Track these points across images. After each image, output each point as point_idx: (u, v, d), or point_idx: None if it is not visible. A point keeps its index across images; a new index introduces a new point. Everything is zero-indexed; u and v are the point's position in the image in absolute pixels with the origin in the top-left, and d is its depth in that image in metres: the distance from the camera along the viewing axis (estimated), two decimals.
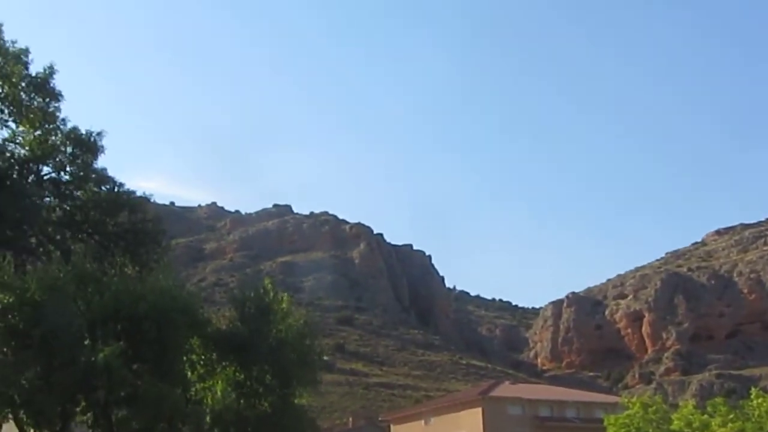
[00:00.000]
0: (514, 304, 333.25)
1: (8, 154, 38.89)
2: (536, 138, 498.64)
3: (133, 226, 40.41)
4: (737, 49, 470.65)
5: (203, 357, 36.02)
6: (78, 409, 30.31)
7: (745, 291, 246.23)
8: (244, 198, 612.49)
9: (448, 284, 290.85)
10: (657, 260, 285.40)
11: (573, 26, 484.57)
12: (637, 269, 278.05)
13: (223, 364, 36.23)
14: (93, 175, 39.84)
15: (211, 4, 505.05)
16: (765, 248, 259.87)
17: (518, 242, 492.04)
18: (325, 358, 67.15)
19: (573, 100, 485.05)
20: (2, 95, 38.35)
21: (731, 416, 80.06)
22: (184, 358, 33.90)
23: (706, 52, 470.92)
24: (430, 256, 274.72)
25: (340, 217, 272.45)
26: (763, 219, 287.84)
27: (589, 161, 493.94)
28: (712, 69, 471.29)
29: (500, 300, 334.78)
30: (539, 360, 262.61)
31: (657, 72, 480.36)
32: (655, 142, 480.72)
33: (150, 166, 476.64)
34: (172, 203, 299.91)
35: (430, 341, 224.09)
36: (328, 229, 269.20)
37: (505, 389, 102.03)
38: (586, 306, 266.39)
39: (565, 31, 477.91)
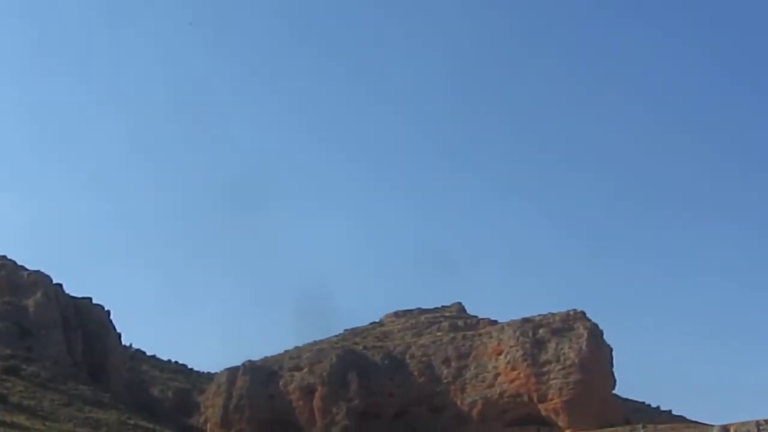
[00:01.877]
0: (189, 367, 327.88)
1: None
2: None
3: None
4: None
5: None
6: None
7: (416, 373, 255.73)
8: None
9: (125, 341, 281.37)
10: (335, 336, 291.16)
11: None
12: (315, 343, 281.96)
13: None
14: None
15: None
16: (438, 333, 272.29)
17: (195, 304, 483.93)
18: None
19: None
20: None
21: None
22: None
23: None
24: (108, 311, 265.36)
25: (19, 263, 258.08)
26: (439, 306, 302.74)
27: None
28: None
29: (176, 362, 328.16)
30: (209, 426, 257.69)
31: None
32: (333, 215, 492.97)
33: None
34: None
35: (99, 398, 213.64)
36: (5, 274, 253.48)
37: None
38: (262, 375, 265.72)
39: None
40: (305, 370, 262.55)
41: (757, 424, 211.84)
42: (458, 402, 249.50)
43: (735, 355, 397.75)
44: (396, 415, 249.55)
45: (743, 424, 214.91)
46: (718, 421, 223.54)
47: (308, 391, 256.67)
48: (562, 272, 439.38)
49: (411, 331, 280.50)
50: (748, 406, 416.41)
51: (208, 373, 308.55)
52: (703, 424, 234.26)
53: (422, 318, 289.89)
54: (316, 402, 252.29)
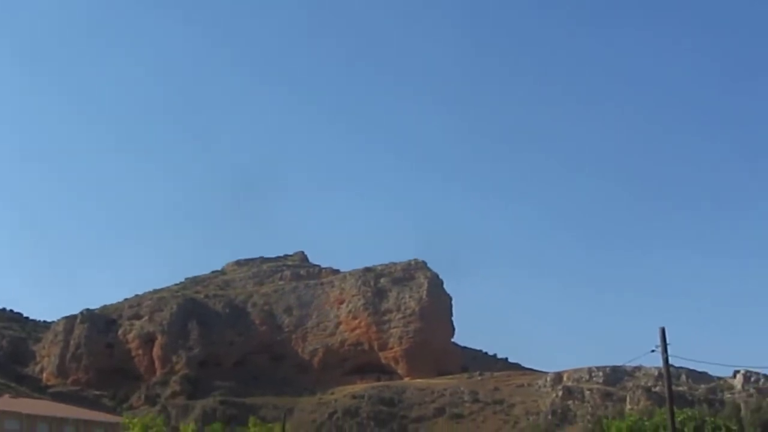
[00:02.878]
0: (25, 315, 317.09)
1: None
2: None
3: None
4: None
5: None
6: None
7: (257, 322, 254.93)
8: None
9: None
10: (176, 284, 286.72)
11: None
12: (156, 291, 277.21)
13: None
14: None
15: None
16: (280, 282, 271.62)
17: (30, 253, 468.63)
18: None
19: None
20: None
21: None
22: None
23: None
24: None
25: None
26: (282, 254, 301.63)
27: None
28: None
29: (10, 310, 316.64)
30: (45, 375, 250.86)
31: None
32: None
33: None
34: None
35: None
36: None
37: (4, 403, 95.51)
38: (100, 324, 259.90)
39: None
40: (145, 318, 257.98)
41: (589, 370, 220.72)
42: (299, 350, 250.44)
43: (569, 306, 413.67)
44: (236, 363, 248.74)
45: (576, 371, 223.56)
46: (552, 369, 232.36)
47: (148, 340, 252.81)
48: (401, 222, 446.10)
49: (253, 280, 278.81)
50: (581, 353, 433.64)
51: (45, 322, 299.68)
52: (538, 371, 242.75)
53: (264, 267, 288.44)
54: (156, 351, 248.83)
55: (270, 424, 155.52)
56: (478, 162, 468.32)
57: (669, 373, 38.36)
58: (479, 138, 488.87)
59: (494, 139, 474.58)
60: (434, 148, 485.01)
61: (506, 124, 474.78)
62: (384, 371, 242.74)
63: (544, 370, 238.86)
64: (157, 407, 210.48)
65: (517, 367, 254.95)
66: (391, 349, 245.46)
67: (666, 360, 36.96)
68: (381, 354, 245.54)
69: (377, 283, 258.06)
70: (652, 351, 37.32)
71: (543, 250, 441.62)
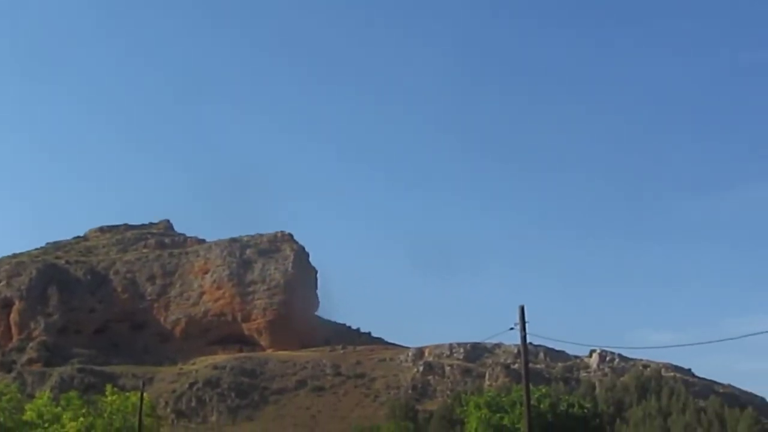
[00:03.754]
0: None
1: None
2: None
3: None
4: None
5: None
6: None
7: (119, 290, 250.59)
8: None
9: None
10: (36, 249, 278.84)
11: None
12: (15, 255, 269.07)
13: None
14: None
15: None
16: (144, 250, 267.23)
17: None
18: None
19: None
20: None
21: (83, 411, 79.83)
22: None
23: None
24: None
25: None
26: (146, 222, 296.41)
27: None
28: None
29: None
30: None
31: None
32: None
33: None
34: None
35: None
36: None
37: None
38: None
39: None
40: (2, 283, 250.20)
41: (450, 346, 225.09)
42: (161, 319, 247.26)
43: (433, 282, 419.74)
44: (97, 331, 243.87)
45: (437, 347, 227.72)
46: (414, 344, 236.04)
47: (5, 305, 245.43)
48: (271, 193, 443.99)
49: (116, 247, 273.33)
50: (442, 329, 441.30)
51: None
52: (400, 346, 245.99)
53: (128, 234, 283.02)
54: (14, 316, 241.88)
55: (128, 393, 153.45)
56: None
57: (526, 350, 39.67)
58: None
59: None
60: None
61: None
62: (247, 342, 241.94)
63: (406, 345, 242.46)
64: (13, 374, 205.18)
65: (379, 341, 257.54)
66: (255, 320, 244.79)
67: (524, 338, 38.11)
68: (244, 325, 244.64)
69: (243, 254, 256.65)
70: (511, 329, 38.16)
71: (403, 223, 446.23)
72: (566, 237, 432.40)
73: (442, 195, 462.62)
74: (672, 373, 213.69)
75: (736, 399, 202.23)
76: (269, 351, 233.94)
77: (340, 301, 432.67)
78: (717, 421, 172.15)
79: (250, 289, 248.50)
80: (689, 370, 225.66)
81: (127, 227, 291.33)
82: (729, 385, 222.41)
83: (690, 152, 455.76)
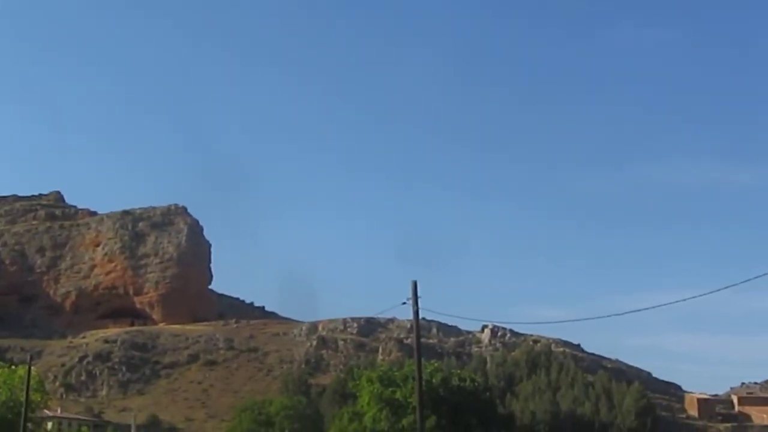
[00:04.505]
0: None
1: None
2: None
3: None
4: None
5: None
6: None
7: (7, 262, 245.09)
8: None
9: None
10: None
11: None
12: None
13: None
14: None
15: None
16: (34, 222, 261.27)
17: None
18: None
19: None
20: None
21: None
22: None
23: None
24: None
25: None
26: (36, 193, 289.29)
27: None
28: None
29: None
30: None
31: None
32: None
33: None
34: None
35: None
36: None
37: None
38: None
39: None
40: None
41: (344, 321, 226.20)
42: (51, 292, 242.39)
43: (329, 255, 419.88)
44: None
45: (331, 321, 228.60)
46: (308, 319, 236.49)
47: None
48: (163, 165, 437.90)
49: (4, 219, 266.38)
50: (338, 304, 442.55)
51: None
52: (294, 320, 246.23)
53: (17, 205, 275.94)
54: None
55: (15, 367, 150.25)
56: None
57: (418, 325, 40.20)
58: None
59: None
60: None
61: None
62: (138, 316, 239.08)
63: (299, 320, 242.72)
64: None
65: (273, 316, 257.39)
66: (147, 293, 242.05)
67: (416, 312, 38.55)
68: (136, 299, 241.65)
69: (135, 226, 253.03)
70: (404, 303, 38.53)
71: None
72: (460, 212, 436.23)
73: (332, 156, 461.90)
74: (562, 349, 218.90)
75: (623, 374, 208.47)
76: (161, 325, 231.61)
77: (234, 275, 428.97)
78: (604, 395, 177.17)
79: (143, 262, 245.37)
80: (578, 345, 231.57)
81: (16, 198, 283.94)
82: (617, 360, 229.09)
83: (583, 129, 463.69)
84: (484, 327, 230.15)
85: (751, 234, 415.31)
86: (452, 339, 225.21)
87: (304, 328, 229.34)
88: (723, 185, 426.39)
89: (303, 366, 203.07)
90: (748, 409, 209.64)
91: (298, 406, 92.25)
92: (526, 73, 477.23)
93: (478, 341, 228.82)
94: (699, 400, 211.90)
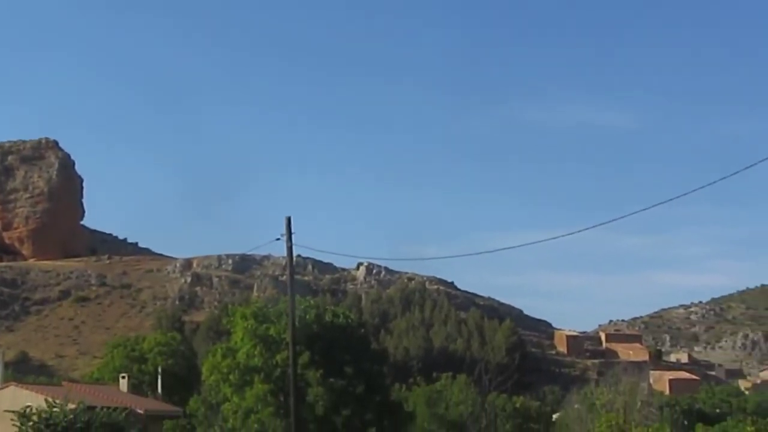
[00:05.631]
0: None
1: None
2: None
3: None
4: None
5: None
6: None
7: None
8: None
9: None
10: None
11: None
12: None
13: None
14: None
15: None
16: None
17: None
18: None
19: None
20: None
21: None
22: None
23: None
24: None
25: None
26: None
27: None
28: None
29: None
30: None
31: None
32: None
33: None
34: None
35: None
36: None
37: None
38: None
39: None
40: None
41: (219, 258, 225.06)
42: None
43: (201, 194, 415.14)
44: None
45: (206, 258, 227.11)
46: (182, 255, 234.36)
47: None
48: (33, 97, 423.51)
49: None
50: (210, 240, 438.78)
51: None
52: (168, 257, 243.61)
53: None
54: None
55: None
56: None
57: (292, 260, 40.24)
58: None
59: None
60: None
61: None
62: (7, 251, 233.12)
63: (174, 256, 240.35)
64: None
65: (147, 252, 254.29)
66: (16, 229, 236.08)
67: (290, 248, 38.53)
68: (5, 234, 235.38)
69: (4, 160, 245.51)
70: (277, 239, 38.50)
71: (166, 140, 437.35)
72: (337, 148, 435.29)
73: (205, 109, 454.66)
74: (436, 286, 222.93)
75: (496, 311, 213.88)
76: (31, 261, 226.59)
77: (107, 210, 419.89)
78: (477, 331, 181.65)
79: (12, 197, 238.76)
80: (452, 283, 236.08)
81: None
82: (489, 298, 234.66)
83: (458, 65, 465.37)
84: (360, 265, 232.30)
85: (621, 175, 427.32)
86: (328, 276, 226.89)
87: (178, 264, 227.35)
88: (595, 126, 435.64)
89: (177, 303, 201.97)
90: (615, 346, 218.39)
91: (171, 343, 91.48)
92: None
93: (354, 279, 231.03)
94: (568, 337, 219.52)
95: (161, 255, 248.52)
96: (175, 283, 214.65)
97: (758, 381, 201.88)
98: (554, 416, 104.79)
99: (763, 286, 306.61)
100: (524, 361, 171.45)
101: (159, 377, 76.38)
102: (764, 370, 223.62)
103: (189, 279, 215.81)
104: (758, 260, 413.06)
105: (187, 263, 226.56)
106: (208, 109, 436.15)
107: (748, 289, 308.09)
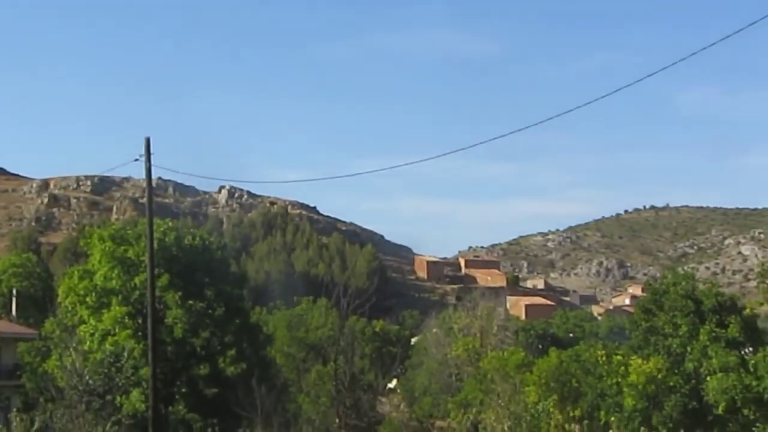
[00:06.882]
0: None
1: None
2: None
3: None
4: None
5: None
6: None
7: None
8: None
9: None
10: None
11: None
12: None
13: None
14: None
15: None
16: None
17: None
18: None
19: None
20: None
21: None
22: None
23: None
24: None
25: None
26: None
27: None
28: None
29: None
30: None
31: None
32: None
33: None
34: None
35: None
36: None
37: None
38: None
39: None
40: None
41: (77, 179, 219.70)
42: None
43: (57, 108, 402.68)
44: None
45: (63, 178, 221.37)
46: (39, 176, 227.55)
47: None
48: None
49: None
50: (68, 160, 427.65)
51: None
52: (24, 177, 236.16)
53: None
54: None
55: None
56: None
57: (150, 181, 39.71)
58: None
59: None
60: None
61: None
62: None
63: (30, 176, 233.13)
64: None
65: (1, 172, 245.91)
66: None
67: (148, 169, 38.00)
68: None
69: None
70: (136, 160, 37.91)
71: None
72: (197, 72, 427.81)
73: None
74: (298, 211, 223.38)
75: (357, 236, 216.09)
76: None
77: None
78: (338, 256, 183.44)
79: None
80: (315, 207, 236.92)
81: None
82: (351, 223, 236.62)
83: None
84: (221, 188, 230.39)
85: (481, 100, 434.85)
86: (189, 199, 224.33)
87: (34, 185, 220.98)
88: (456, 55, 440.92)
89: (33, 224, 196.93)
90: (474, 272, 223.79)
91: (26, 265, 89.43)
92: None
93: (215, 202, 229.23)
94: (428, 262, 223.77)
95: (16, 175, 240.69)
96: (31, 204, 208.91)
97: (611, 307, 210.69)
98: (413, 340, 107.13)
99: (618, 215, 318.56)
100: (385, 285, 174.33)
101: (13, 299, 74.90)
102: (617, 296, 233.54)
103: (46, 200, 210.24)
104: (614, 190, 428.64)
105: (44, 184, 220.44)
106: None
107: (603, 218, 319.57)
